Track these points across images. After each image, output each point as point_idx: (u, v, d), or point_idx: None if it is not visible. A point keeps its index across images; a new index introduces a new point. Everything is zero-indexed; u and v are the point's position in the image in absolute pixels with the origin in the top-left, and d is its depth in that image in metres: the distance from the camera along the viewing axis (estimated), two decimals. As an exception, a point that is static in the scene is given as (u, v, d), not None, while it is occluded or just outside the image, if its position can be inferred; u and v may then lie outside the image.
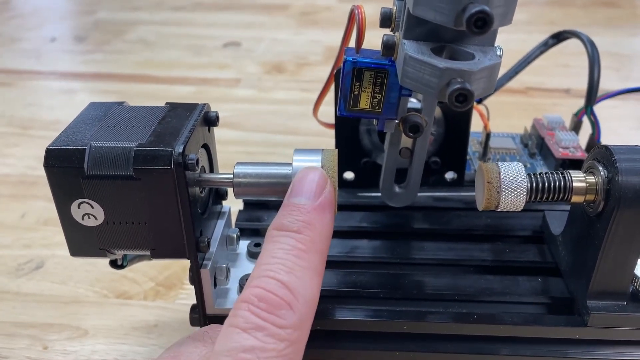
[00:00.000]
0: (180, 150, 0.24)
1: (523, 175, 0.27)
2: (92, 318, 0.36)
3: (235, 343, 0.21)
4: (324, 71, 0.74)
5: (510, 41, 0.84)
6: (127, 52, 0.82)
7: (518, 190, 0.27)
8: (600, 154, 0.27)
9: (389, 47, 0.26)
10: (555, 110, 0.64)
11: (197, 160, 0.25)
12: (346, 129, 0.38)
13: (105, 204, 0.25)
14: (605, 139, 0.58)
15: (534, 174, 0.27)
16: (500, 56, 0.26)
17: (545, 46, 0.43)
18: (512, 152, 0.44)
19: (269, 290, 0.22)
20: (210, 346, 0.25)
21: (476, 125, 0.42)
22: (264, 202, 0.37)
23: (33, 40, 0.87)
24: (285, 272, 0.22)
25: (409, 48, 0.24)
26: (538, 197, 0.27)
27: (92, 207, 0.25)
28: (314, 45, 0.83)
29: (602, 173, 0.26)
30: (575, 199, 0.27)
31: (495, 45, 0.26)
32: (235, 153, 0.56)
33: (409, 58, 0.24)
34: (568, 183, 0.27)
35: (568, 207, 0.31)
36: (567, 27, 0.84)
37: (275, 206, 0.37)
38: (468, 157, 0.43)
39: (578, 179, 0.27)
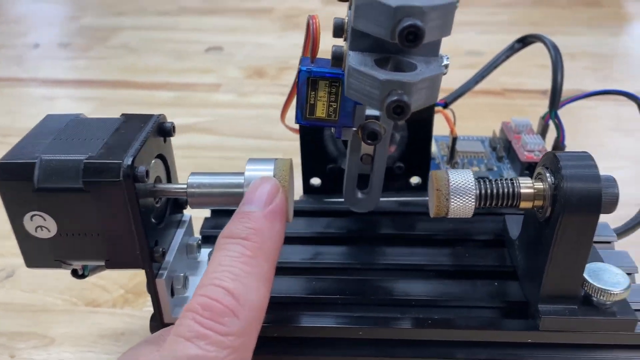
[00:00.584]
0: (130, 162, 0.24)
1: (472, 182, 0.27)
2: (60, 326, 0.37)
3: (179, 352, 0.21)
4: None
5: (494, 42, 0.84)
6: (110, 57, 0.82)
7: (467, 197, 0.27)
8: (548, 160, 0.28)
9: (337, 58, 0.27)
10: (533, 111, 0.65)
11: (147, 172, 0.25)
12: (311, 135, 0.38)
13: (57, 216, 0.25)
14: (582, 141, 0.59)
15: (483, 181, 0.28)
16: (446, 66, 0.26)
17: (511, 50, 0.44)
18: (479, 156, 0.44)
19: (214, 298, 0.22)
20: None
21: (446, 128, 0.42)
22: (231, 209, 0.38)
23: (16, 47, 0.87)
24: (231, 280, 0.23)
25: (352, 60, 0.24)
26: (487, 204, 0.28)
27: (45, 219, 0.25)
28: (297, 49, 0.83)
29: (549, 179, 0.27)
30: (524, 204, 0.27)
31: (442, 54, 0.26)
32: (212, 158, 0.57)
33: (352, 70, 0.24)
34: (516, 189, 0.27)
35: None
36: (550, 27, 0.84)
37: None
38: (437, 161, 0.44)
39: (526, 185, 0.27)
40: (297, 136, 0.42)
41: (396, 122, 0.37)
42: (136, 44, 0.86)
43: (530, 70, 0.73)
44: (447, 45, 0.25)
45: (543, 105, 0.66)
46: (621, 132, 0.60)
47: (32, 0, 1.11)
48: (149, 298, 0.39)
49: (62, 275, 0.41)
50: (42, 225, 0.26)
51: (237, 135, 0.61)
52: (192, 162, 0.55)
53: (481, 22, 0.91)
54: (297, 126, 0.39)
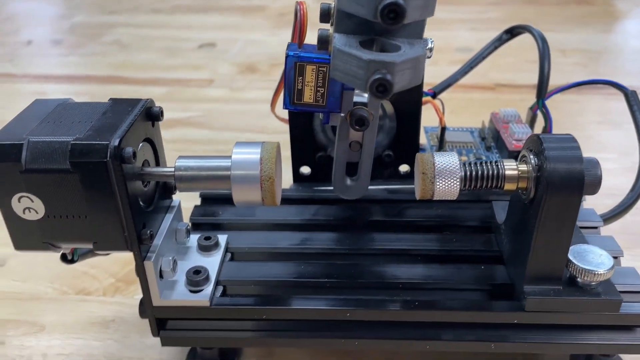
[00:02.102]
0: (117, 143, 0.25)
1: (456, 164, 0.28)
2: (50, 314, 0.37)
3: None
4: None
5: (484, 39, 0.85)
6: (102, 54, 0.82)
7: (452, 179, 0.27)
8: (532, 142, 0.28)
9: (323, 42, 0.27)
10: (524, 105, 0.65)
11: (134, 153, 0.25)
12: (300, 124, 0.38)
13: (44, 197, 0.25)
14: (570, 133, 0.59)
15: (468, 164, 0.28)
16: (430, 49, 0.26)
17: (499, 41, 0.44)
18: (468, 146, 0.44)
19: None
20: None
21: (436, 119, 0.43)
22: (221, 197, 0.38)
23: (9, 44, 0.87)
24: None
25: (338, 41, 0.25)
26: (472, 186, 0.28)
27: (32, 201, 0.25)
28: (289, 46, 0.84)
29: (532, 161, 0.27)
30: (508, 186, 0.28)
31: (427, 37, 0.26)
32: (204, 152, 0.57)
33: (337, 51, 0.24)
34: (501, 171, 0.28)
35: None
36: (541, 25, 0.85)
37: (230, 200, 0.37)
38: (427, 151, 0.44)
39: (510, 167, 0.28)
40: (289, 129, 0.42)
41: (385, 110, 0.38)
42: (128, 41, 0.87)
43: (522, 66, 0.74)
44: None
45: (533, 100, 0.67)
46: (608, 124, 0.61)
47: (24, -1, 1.11)
48: (139, 286, 0.39)
49: (53, 264, 0.41)
50: (30, 207, 0.26)
51: (229, 130, 0.61)
52: (183, 156, 0.56)
53: (471, 19, 0.92)
54: (287, 116, 0.40)
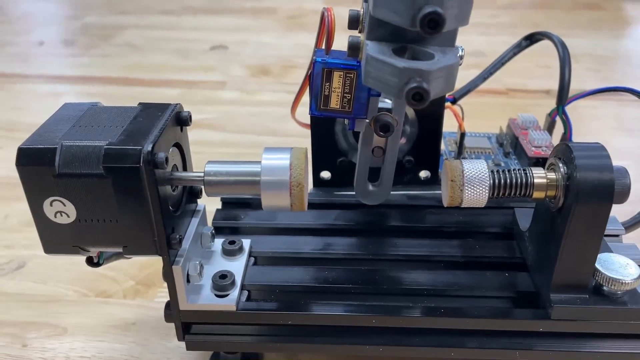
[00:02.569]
0: (150, 148, 0.25)
1: (485, 172, 0.28)
2: (72, 316, 0.37)
3: None
4: (309, 74, 0.75)
5: (495, 43, 0.85)
6: (114, 55, 0.82)
7: (481, 187, 0.27)
8: (561, 151, 0.28)
9: (354, 49, 0.27)
10: (536, 110, 0.65)
11: (167, 158, 0.25)
12: (322, 129, 0.38)
13: (76, 201, 0.25)
14: (584, 139, 0.59)
15: (497, 171, 0.28)
16: (461, 57, 0.27)
17: (518, 47, 0.44)
18: (487, 152, 0.44)
19: None
20: None
21: (453, 125, 0.43)
22: (242, 201, 0.38)
23: (21, 45, 0.87)
24: None
25: (371, 49, 0.25)
26: (500, 194, 0.28)
27: (64, 204, 0.26)
28: (300, 49, 0.84)
29: (562, 170, 0.27)
30: (537, 194, 0.28)
31: (457, 45, 0.26)
32: (219, 154, 0.56)
33: (370, 58, 0.24)
34: (530, 179, 0.28)
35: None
36: (551, 29, 0.85)
37: (251, 204, 0.38)
38: (445, 157, 0.44)
39: (539, 175, 0.28)
40: (304, 133, 0.42)
41: (407, 116, 0.38)
42: (140, 42, 0.87)
43: (534, 71, 0.74)
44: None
45: (546, 105, 0.67)
46: (623, 131, 0.61)
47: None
48: (159, 289, 0.39)
49: (73, 266, 0.41)
50: (62, 211, 0.26)
51: (242, 132, 0.61)
52: (199, 158, 0.55)
53: (483, 23, 0.92)
54: (307, 121, 0.40)
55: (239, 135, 0.61)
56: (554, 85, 0.71)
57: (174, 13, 1.00)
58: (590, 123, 0.63)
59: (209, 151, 0.58)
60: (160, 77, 0.75)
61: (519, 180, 0.28)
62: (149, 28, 0.93)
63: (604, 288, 0.29)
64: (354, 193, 0.36)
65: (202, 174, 0.28)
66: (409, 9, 0.22)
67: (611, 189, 0.26)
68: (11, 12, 1.05)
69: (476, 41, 0.83)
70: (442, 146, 0.45)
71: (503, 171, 0.28)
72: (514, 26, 0.93)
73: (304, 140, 0.52)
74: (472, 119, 0.57)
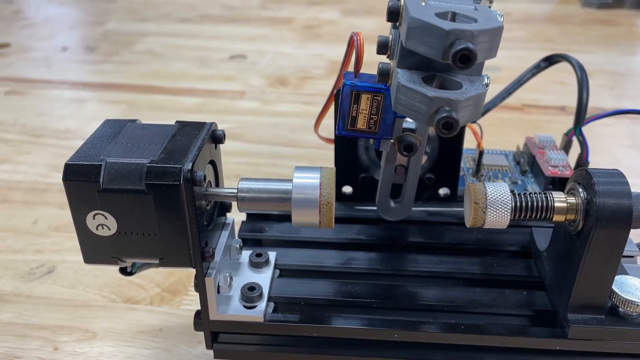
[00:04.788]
0: (189, 167, 0.26)
1: (508, 195, 0.29)
2: (101, 321, 0.38)
3: None
4: (326, 84, 0.76)
5: (510, 57, 0.86)
6: (135, 62, 0.84)
7: (503, 210, 0.28)
8: (580, 176, 0.29)
9: (383, 75, 0.28)
10: (550, 127, 0.67)
11: (204, 176, 0.27)
12: (345, 145, 0.40)
13: (118, 215, 0.27)
14: (598, 157, 0.60)
15: (518, 194, 0.29)
16: (487, 85, 0.28)
17: (537, 69, 0.45)
18: (504, 169, 0.45)
19: None
20: None
21: (471, 142, 0.44)
22: (266, 213, 0.39)
23: (44, 50, 0.89)
24: None
25: (401, 77, 0.26)
26: (522, 216, 0.29)
27: (106, 218, 0.27)
28: (317, 59, 0.86)
29: (582, 194, 0.28)
30: (557, 218, 0.29)
31: (483, 74, 0.28)
32: (239, 164, 0.59)
33: (401, 86, 0.25)
34: (550, 203, 0.29)
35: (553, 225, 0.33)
36: (565, 45, 0.86)
37: (276, 217, 0.39)
38: (462, 173, 0.45)
39: (559, 199, 0.29)
40: (322, 144, 0.44)
41: (428, 134, 0.39)
42: (161, 50, 0.89)
43: (548, 87, 0.75)
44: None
45: (561, 122, 0.68)
46: (637, 149, 0.62)
47: (56, 5, 1.14)
48: (184, 297, 0.41)
49: (101, 272, 0.42)
50: (103, 224, 0.27)
51: (263, 142, 0.63)
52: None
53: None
54: (329, 136, 0.41)
55: (259, 145, 0.62)
56: (569, 101, 0.73)
57: (192, 21, 1.02)
58: (604, 141, 0.64)
59: (229, 161, 0.59)
60: (180, 85, 0.77)
61: (541, 203, 0.29)
62: (169, 36, 0.95)
63: (620, 309, 0.30)
64: (375, 208, 0.38)
65: (235, 191, 0.29)
66: (441, 43, 0.23)
67: (629, 215, 0.27)
68: (33, 17, 1.07)
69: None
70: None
71: (525, 194, 0.29)
72: (529, 40, 0.94)
73: (323, 151, 0.53)
74: (488, 134, 0.58)
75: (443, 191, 0.41)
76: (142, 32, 0.96)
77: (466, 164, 0.47)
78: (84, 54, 0.88)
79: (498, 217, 0.29)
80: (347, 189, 0.41)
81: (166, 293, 0.41)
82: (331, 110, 0.38)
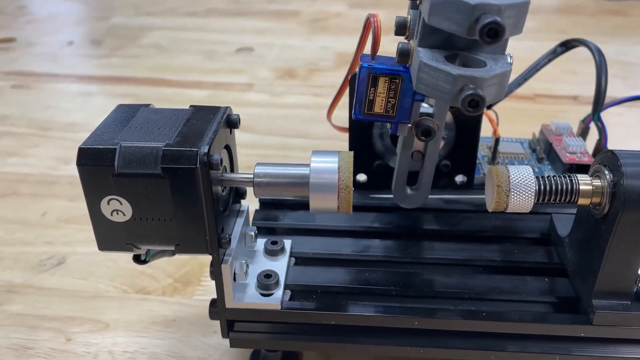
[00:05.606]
0: (206, 150, 0.25)
1: (532, 178, 0.28)
2: (113, 312, 0.38)
3: None
4: (335, 77, 0.76)
5: (520, 49, 0.85)
6: (142, 56, 0.84)
7: (527, 193, 0.28)
8: (606, 158, 0.28)
9: (404, 55, 0.27)
10: (563, 116, 0.66)
11: (221, 160, 0.26)
12: (359, 132, 0.39)
13: (133, 200, 0.26)
14: (612, 146, 0.59)
15: (542, 177, 0.28)
16: (511, 64, 0.27)
17: (553, 54, 0.44)
18: (520, 157, 0.45)
19: None
20: None
21: (486, 130, 0.43)
22: (279, 201, 0.39)
23: (50, 44, 0.89)
24: None
25: (423, 55, 0.25)
26: (546, 200, 0.28)
27: (121, 203, 0.26)
28: (325, 52, 0.85)
29: (607, 177, 0.27)
30: (582, 201, 0.28)
31: (506, 53, 0.27)
32: (249, 156, 0.57)
33: (423, 65, 0.25)
34: (575, 186, 0.28)
35: (574, 211, 0.32)
36: (576, 35, 0.85)
37: (290, 205, 0.38)
38: (477, 161, 0.44)
39: (585, 182, 0.28)
40: (333, 135, 0.43)
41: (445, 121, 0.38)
42: (167, 44, 0.88)
43: (559, 76, 0.74)
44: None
45: (573, 111, 0.67)
46: (652, 138, 0.61)
47: (60, 0, 1.13)
48: (197, 287, 0.40)
49: (112, 263, 0.42)
50: (118, 209, 0.26)
51: (271, 134, 0.62)
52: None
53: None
54: (343, 124, 0.40)
55: (268, 137, 0.62)
56: (581, 91, 0.72)
57: (199, 15, 1.02)
58: (617, 130, 0.63)
59: (239, 152, 0.58)
60: (188, 78, 0.76)
61: (565, 186, 0.28)
62: (175, 29, 0.94)
63: (646, 295, 0.29)
64: (390, 196, 0.37)
65: (251, 176, 0.28)
66: (467, 18, 0.22)
67: (658, 197, 0.26)
68: (38, 12, 1.07)
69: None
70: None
71: (548, 177, 0.28)
72: (539, 31, 0.93)
73: (334, 142, 0.53)
74: (500, 124, 0.57)
75: (459, 178, 0.40)
76: (148, 26, 0.95)
77: (481, 151, 0.46)
78: (90, 48, 0.88)
79: (522, 201, 0.28)
80: (362, 177, 0.41)
81: (178, 283, 0.40)
82: (344, 99, 0.37)
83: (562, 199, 0.28)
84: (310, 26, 0.96)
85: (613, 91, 0.72)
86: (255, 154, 0.58)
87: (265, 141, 0.61)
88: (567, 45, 0.44)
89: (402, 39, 0.29)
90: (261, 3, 1.09)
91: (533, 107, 0.68)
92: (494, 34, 0.21)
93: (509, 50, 0.27)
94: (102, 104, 0.69)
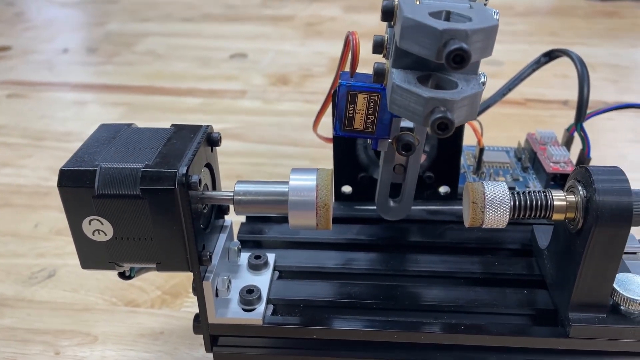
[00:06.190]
0: (184, 171, 0.26)
1: (506, 194, 0.28)
2: (102, 325, 0.38)
3: None
4: (328, 83, 0.76)
5: (513, 52, 0.86)
6: (137, 63, 0.84)
7: (502, 209, 0.28)
8: (580, 174, 0.29)
9: (379, 75, 0.28)
10: (553, 121, 0.66)
11: (200, 180, 0.27)
12: (344, 145, 0.39)
13: (114, 220, 0.27)
14: (602, 152, 0.60)
15: (517, 193, 0.29)
16: (484, 83, 0.27)
17: (537, 64, 0.45)
18: (505, 166, 0.45)
19: None
20: None
21: (472, 138, 0.43)
22: (265, 215, 0.39)
23: (46, 52, 0.89)
24: None
25: (396, 77, 0.26)
26: (521, 215, 0.29)
27: (102, 223, 0.27)
28: (318, 57, 0.85)
29: (581, 192, 0.28)
30: (557, 216, 0.29)
31: (480, 72, 0.27)
32: (240, 164, 0.58)
33: (396, 87, 0.25)
34: (550, 201, 0.28)
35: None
36: (568, 38, 0.85)
37: (276, 218, 0.39)
38: (463, 171, 0.45)
39: (559, 197, 0.28)
40: (323, 143, 0.43)
41: (427, 133, 0.39)
42: (162, 50, 0.88)
43: (550, 81, 0.74)
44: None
45: (563, 116, 0.67)
46: (641, 143, 0.61)
47: (57, 7, 1.14)
48: (185, 299, 0.41)
49: (102, 275, 0.42)
50: (100, 229, 0.27)
51: (265, 142, 0.62)
52: (221, 169, 0.57)
53: (500, 31, 0.92)
54: (328, 135, 0.41)
55: (260, 145, 0.62)
56: (572, 95, 0.72)
57: (194, 20, 1.02)
58: (607, 135, 0.63)
59: (231, 161, 0.59)
60: (182, 85, 0.76)
61: (539, 202, 0.28)
62: (170, 36, 0.95)
63: (622, 307, 0.29)
64: (374, 207, 0.37)
65: (231, 194, 0.29)
66: (435, 43, 0.23)
67: (629, 212, 0.27)
68: (34, 19, 1.07)
69: (493, 50, 0.84)
70: (461, 160, 0.46)
71: (523, 193, 0.29)
72: (531, 34, 0.93)
73: (324, 150, 0.53)
74: (491, 130, 0.58)
75: (443, 189, 0.41)
76: (143, 33, 0.96)
77: (467, 161, 0.46)
78: (85, 55, 0.88)
79: (497, 217, 0.28)
80: (347, 189, 0.41)
81: (167, 295, 0.41)
82: (330, 110, 0.38)
83: (537, 215, 0.29)
84: (304, 30, 0.97)
85: (604, 95, 0.73)
86: (247, 162, 0.59)
87: (257, 149, 0.61)
88: (550, 55, 0.44)
89: (380, 57, 0.30)
90: (256, 8, 1.09)
91: (523, 112, 0.68)
92: (460, 60, 0.22)
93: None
94: (97, 113, 0.70)
